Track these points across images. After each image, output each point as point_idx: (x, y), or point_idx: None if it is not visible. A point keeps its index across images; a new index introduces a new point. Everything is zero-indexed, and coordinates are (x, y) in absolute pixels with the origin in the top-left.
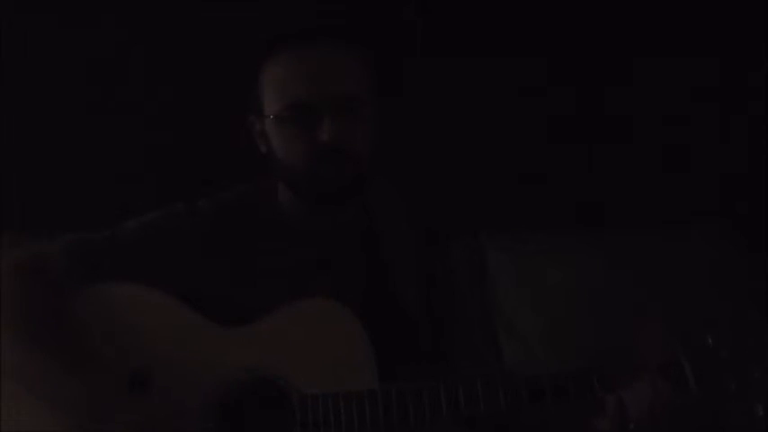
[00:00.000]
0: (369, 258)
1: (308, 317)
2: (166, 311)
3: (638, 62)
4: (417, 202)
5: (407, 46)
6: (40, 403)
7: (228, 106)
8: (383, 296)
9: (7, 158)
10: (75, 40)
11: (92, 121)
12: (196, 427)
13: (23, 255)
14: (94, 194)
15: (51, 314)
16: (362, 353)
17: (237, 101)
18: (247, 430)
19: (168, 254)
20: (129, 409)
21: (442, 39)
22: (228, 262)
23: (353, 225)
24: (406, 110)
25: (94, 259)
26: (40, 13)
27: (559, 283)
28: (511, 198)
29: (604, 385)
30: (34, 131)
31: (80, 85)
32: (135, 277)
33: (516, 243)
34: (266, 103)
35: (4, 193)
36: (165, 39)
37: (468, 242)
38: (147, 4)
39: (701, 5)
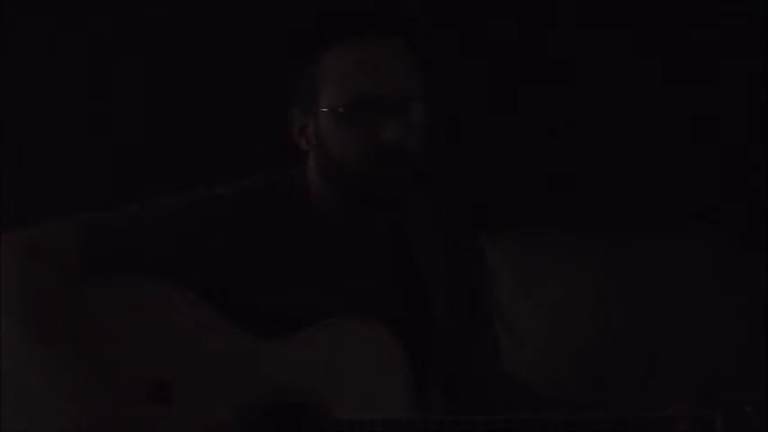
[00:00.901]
0: (399, 266)
1: (348, 338)
2: (194, 316)
3: (637, 62)
4: (446, 205)
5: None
6: (50, 405)
7: (236, 101)
8: (414, 299)
9: (8, 158)
10: (79, 32)
11: (96, 118)
12: None
13: (34, 235)
14: (95, 194)
15: (65, 308)
16: (402, 379)
17: (252, 95)
18: None
19: (188, 241)
20: (150, 418)
21: (442, 36)
22: (251, 254)
23: (384, 225)
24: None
25: (111, 241)
26: (42, 10)
27: (559, 283)
28: (511, 198)
29: None
30: (36, 129)
31: (84, 80)
32: (153, 264)
33: (516, 243)
34: (324, 97)
35: (3, 194)
36: (183, 30)
37: (469, 242)
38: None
39: (702, 5)
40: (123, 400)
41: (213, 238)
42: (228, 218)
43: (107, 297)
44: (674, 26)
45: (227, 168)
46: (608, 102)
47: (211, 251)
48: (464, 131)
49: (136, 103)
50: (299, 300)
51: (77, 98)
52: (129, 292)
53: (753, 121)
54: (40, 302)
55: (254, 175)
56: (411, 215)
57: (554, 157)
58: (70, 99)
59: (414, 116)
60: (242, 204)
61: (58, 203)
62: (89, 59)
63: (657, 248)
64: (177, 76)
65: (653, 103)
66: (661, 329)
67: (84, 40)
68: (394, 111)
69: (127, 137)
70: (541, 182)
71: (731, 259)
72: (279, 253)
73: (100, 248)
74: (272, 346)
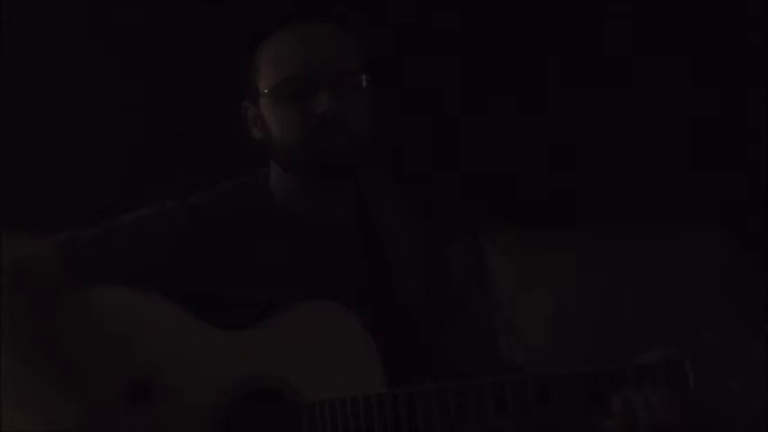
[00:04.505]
0: (369, 252)
1: (313, 320)
2: (166, 316)
3: (638, 62)
4: (415, 201)
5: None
6: (37, 411)
7: (216, 104)
8: (384, 291)
9: (7, 158)
10: (67, 38)
11: (88, 121)
12: None
13: (15, 253)
14: (91, 193)
15: (44, 318)
16: (369, 357)
17: (226, 97)
18: None
19: (161, 250)
20: (130, 416)
21: (442, 38)
22: (223, 258)
23: (351, 218)
24: (408, 109)
25: (87, 257)
26: (35, 12)
27: (559, 283)
28: (511, 198)
29: (610, 386)
30: (32, 131)
31: (76, 85)
32: (129, 275)
33: (516, 243)
34: (262, 81)
35: (3, 194)
36: (154, 37)
37: (468, 242)
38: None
39: (704, 7)
40: (100, 398)
41: (182, 245)
42: (197, 224)
43: (80, 305)
44: (674, 26)
45: (212, 170)
46: (608, 102)
47: (180, 257)
48: (465, 130)
49: (124, 113)
50: (268, 292)
51: (70, 102)
52: (101, 299)
53: (753, 120)
54: (12, 311)
55: (224, 181)
56: (380, 210)
57: (555, 158)
58: (62, 107)
59: (347, 89)
60: (209, 210)
61: (55, 203)
62: (83, 64)
63: (657, 248)
64: (158, 89)
65: (653, 104)
66: (661, 329)
67: (75, 49)
68: (326, 85)
69: (117, 149)
70: (542, 182)
71: (731, 259)
72: (246, 250)
73: (72, 262)
74: (242, 337)
